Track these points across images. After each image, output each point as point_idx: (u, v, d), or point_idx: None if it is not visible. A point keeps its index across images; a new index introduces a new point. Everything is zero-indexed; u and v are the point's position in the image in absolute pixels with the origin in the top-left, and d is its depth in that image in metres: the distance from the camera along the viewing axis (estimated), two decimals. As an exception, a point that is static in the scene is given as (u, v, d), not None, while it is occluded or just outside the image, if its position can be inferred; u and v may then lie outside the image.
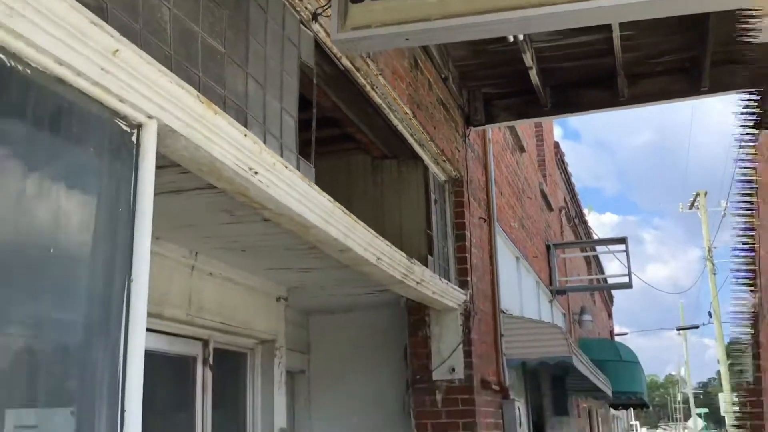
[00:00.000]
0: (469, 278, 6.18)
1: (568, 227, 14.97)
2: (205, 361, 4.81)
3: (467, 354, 5.86)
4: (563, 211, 14.37)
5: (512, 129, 9.33)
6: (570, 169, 15.71)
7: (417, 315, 5.98)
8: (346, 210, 3.93)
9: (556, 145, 14.39)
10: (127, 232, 2.41)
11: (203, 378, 4.79)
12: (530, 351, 7.02)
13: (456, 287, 5.90)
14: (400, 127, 5.35)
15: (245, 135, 2.92)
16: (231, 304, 4.94)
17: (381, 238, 4.40)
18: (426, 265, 5.37)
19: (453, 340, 5.88)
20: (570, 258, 13.90)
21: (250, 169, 2.96)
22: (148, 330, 2.46)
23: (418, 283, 5.02)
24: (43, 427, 2.47)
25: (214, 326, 4.76)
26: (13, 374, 2.27)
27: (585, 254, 16.21)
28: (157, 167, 2.54)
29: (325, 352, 6.46)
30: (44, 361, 2.36)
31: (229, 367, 5.20)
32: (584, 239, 16.63)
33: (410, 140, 5.60)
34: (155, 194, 2.48)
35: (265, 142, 3.17)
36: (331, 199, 3.74)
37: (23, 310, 2.24)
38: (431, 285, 5.29)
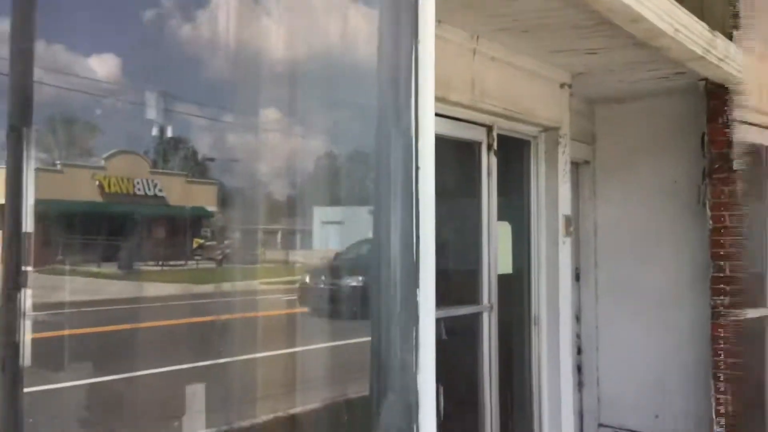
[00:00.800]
0: (783, 56, 5.40)
1: None
2: (489, 147, 4.87)
3: (777, 141, 5.26)
4: None
5: None
6: None
7: (717, 99, 5.42)
8: (639, -27, 3.54)
9: None
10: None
11: (488, 163, 4.87)
12: None
13: (766, 66, 5.21)
14: None
15: None
16: (513, 90, 4.86)
17: (679, 6, 3.94)
18: (730, 39, 4.76)
19: (759, 126, 5.29)
20: None
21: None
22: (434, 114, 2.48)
23: (720, 59, 4.50)
24: (347, 222, 2.67)
25: (497, 112, 4.74)
26: (317, 175, 2.44)
27: None
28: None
29: (612, 143, 6.21)
30: (343, 160, 2.50)
31: (513, 153, 5.22)
32: None
33: None
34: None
35: None
36: (623, -39, 3.38)
37: (324, 115, 2.36)
38: (735, 62, 4.72)
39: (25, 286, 4.41)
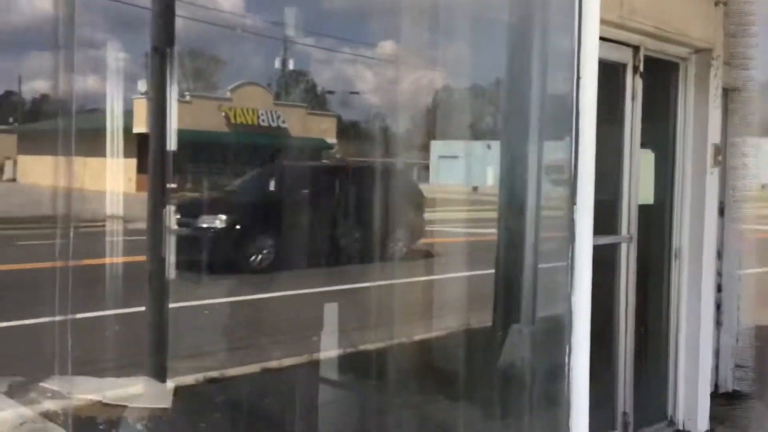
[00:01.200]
0: None
1: None
2: (635, 69, 4.59)
3: None
4: None
5: None
6: None
7: None
8: None
9: None
10: None
11: (633, 86, 4.60)
12: None
13: None
14: None
15: None
16: (664, 8, 4.53)
17: None
18: None
19: None
20: None
21: None
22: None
23: None
24: (461, 157, 2.58)
25: (645, 30, 4.44)
26: (438, 109, 2.34)
27: None
28: None
29: None
30: (466, 93, 2.38)
31: (660, 76, 4.90)
32: None
33: None
34: None
35: None
36: None
37: (447, 45, 2.24)
38: None
39: (169, 203, 4.61)
